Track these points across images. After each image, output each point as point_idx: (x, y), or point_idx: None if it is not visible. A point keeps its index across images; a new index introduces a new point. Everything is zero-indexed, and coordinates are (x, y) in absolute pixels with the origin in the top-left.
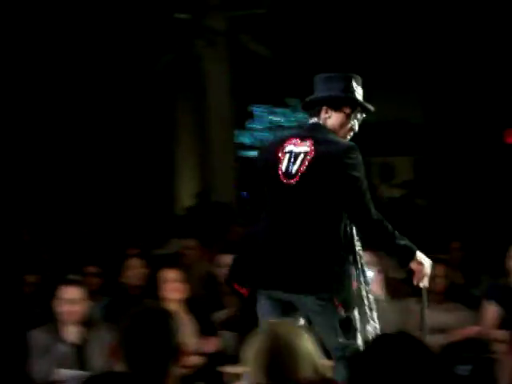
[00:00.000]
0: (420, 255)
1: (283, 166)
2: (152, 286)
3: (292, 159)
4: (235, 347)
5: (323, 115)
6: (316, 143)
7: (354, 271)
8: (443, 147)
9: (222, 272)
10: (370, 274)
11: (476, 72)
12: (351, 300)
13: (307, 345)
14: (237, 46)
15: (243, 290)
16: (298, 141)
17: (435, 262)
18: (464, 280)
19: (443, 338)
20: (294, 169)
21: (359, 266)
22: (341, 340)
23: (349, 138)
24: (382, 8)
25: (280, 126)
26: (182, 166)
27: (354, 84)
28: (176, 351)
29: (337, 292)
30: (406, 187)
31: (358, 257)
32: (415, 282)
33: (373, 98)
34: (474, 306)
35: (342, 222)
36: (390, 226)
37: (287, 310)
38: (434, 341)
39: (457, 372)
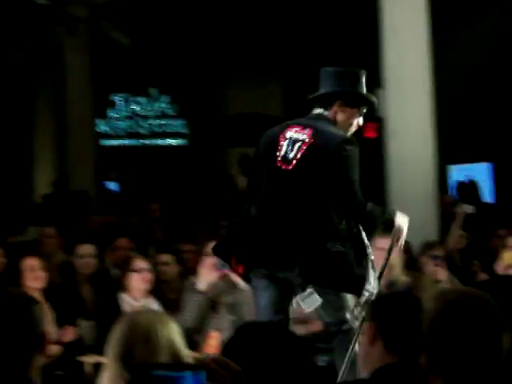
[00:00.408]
0: (398, 218)
1: (282, 152)
2: (9, 274)
3: (290, 145)
4: (93, 336)
5: (335, 108)
6: (315, 132)
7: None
8: None
9: (80, 262)
10: None
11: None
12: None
13: (169, 334)
14: (98, 34)
15: (239, 268)
16: (299, 128)
17: None
18: None
19: (303, 329)
20: (291, 155)
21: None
22: (333, 316)
23: (353, 130)
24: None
25: (140, 116)
26: (41, 153)
27: (363, 79)
28: (40, 340)
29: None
30: None
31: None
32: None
33: (233, 90)
34: None
35: (332, 209)
36: (376, 209)
37: (284, 287)
38: (294, 331)
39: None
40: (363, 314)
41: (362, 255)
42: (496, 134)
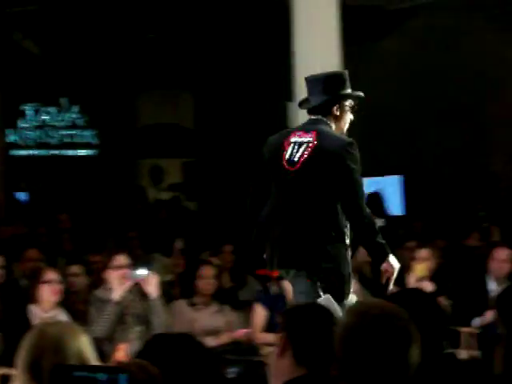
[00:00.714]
0: (392, 259)
1: (287, 155)
2: None
3: (296, 148)
4: (1, 348)
5: (334, 113)
6: (319, 135)
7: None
8: (214, 151)
9: None
10: (141, 272)
11: (247, 78)
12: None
13: (78, 345)
14: (9, 43)
15: (274, 273)
16: (302, 133)
17: (203, 263)
18: (232, 282)
19: (212, 341)
20: (297, 156)
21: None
22: None
23: (347, 127)
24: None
25: (50, 126)
26: None
27: (347, 78)
28: None
29: (323, 271)
30: (175, 190)
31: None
32: (383, 281)
33: (144, 101)
34: (242, 308)
35: (337, 210)
36: (375, 223)
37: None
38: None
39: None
40: None
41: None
42: (406, 146)
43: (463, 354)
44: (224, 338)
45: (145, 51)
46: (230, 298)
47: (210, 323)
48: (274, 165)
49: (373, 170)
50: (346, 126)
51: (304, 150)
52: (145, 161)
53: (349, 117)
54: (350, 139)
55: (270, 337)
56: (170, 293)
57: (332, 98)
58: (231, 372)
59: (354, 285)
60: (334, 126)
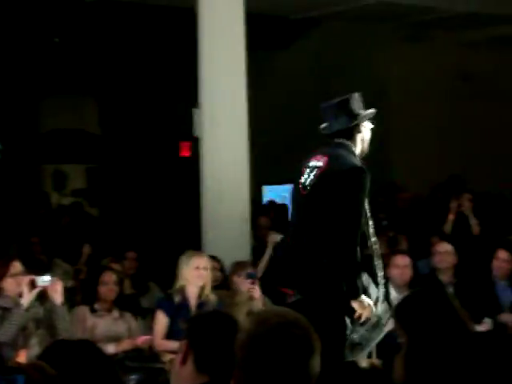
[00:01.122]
0: (363, 298)
1: (302, 179)
2: None
3: (309, 172)
4: None
5: (358, 135)
6: (330, 159)
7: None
8: (119, 157)
9: None
10: (47, 278)
11: (152, 84)
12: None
13: None
14: None
15: (289, 291)
16: (319, 157)
17: (105, 269)
18: (134, 289)
19: (113, 347)
20: (308, 181)
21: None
22: None
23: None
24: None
25: None
26: None
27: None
28: None
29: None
30: (78, 195)
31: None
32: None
33: (48, 106)
34: (143, 315)
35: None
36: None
37: None
38: (104, 350)
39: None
40: None
41: None
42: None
43: (364, 362)
44: (125, 345)
45: (49, 55)
46: (132, 304)
47: (111, 329)
48: (295, 188)
49: (279, 178)
50: (368, 143)
51: (314, 175)
52: (48, 166)
53: (368, 134)
54: (360, 165)
55: (171, 344)
56: (72, 299)
57: (355, 120)
58: (132, 379)
59: None
60: (358, 147)
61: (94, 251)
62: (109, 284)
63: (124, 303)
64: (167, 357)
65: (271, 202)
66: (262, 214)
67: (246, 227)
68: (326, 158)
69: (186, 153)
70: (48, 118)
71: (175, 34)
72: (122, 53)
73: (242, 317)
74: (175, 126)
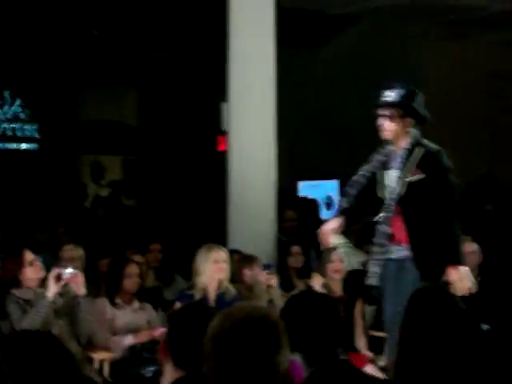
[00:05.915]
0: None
1: None
2: None
3: None
4: None
5: None
6: None
7: None
8: (156, 150)
9: None
10: (70, 270)
11: (192, 78)
12: None
13: None
14: None
15: None
16: None
17: (129, 262)
18: (158, 281)
19: (131, 339)
20: None
21: None
22: None
23: None
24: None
25: None
26: None
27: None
28: None
29: None
30: (115, 187)
31: None
32: None
33: (88, 96)
34: (165, 307)
35: None
36: None
37: None
38: (123, 341)
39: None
40: None
41: None
42: (342, 150)
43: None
44: (143, 336)
45: (89, 47)
46: (154, 296)
47: (131, 321)
48: None
49: (313, 174)
50: None
51: None
52: (86, 157)
53: None
54: None
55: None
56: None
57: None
58: (148, 371)
59: None
60: None
61: (119, 243)
62: (132, 277)
63: (146, 295)
64: None
65: (301, 197)
66: (290, 208)
67: (272, 221)
68: None
69: (223, 147)
70: (87, 109)
71: (203, 28)
72: (162, 45)
73: (264, 305)
74: (213, 120)
